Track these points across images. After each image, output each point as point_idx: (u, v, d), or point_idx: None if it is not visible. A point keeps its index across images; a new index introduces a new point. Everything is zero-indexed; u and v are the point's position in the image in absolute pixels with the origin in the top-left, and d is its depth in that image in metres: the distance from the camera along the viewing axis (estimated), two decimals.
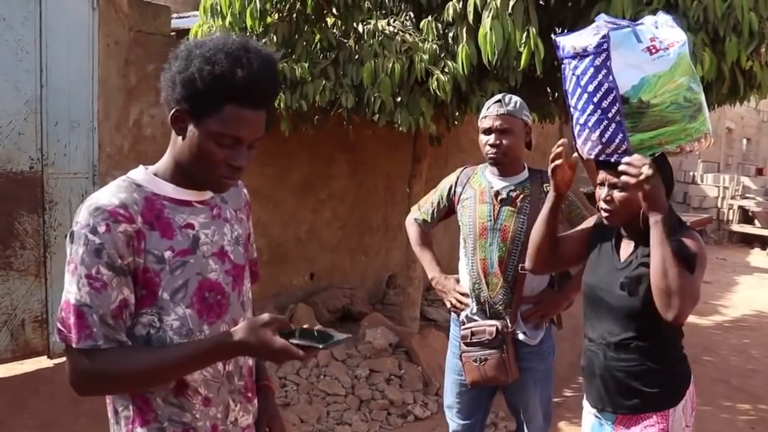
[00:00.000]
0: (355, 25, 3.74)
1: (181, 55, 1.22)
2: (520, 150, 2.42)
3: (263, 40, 3.76)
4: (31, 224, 3.50)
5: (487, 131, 2.39)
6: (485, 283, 2.43)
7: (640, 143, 1.76)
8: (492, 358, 2.38)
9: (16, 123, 3.40)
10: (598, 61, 1.74)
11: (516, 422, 2.64)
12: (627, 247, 1.91)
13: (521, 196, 2.40)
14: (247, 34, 3.68)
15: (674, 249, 1.69)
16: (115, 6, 3.97)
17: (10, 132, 3.38)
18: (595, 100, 1.77)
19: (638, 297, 1.82)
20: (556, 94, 4.02)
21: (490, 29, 3.03)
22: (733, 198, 13.34)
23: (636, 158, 1.69)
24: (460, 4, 3.28)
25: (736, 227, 12.93)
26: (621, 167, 1.70)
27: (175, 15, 5.20)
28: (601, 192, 1.87)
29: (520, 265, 2.34)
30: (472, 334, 2.42)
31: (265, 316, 1.22)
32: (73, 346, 1.18)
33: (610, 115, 1.76)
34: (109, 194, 1.22)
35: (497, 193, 2.42)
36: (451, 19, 3.39)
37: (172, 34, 4.41)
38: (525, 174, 2.45)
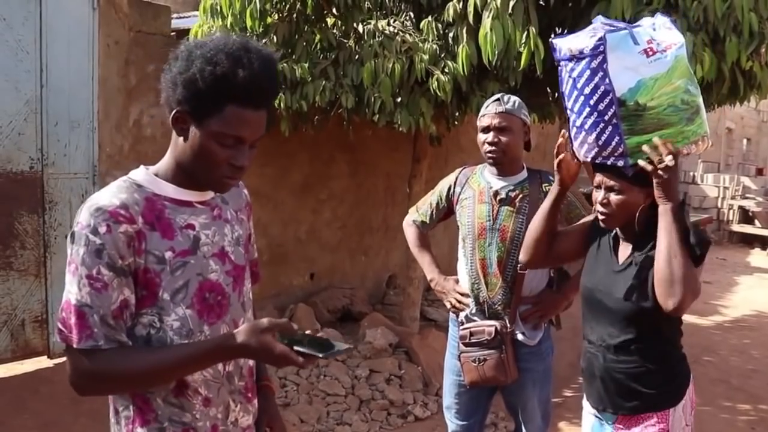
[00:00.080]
0: (355, 25, 3.74)
1: (181, 56, 1.22)
2: (518, 149, 2.42)
3: (263, 41, 3.76)
4: (31, 224, 3.50)
5: (486, 129, 2.39)
6: (484, 283, 2.43)
7: (636, 146, 1.75)
8: (491, 358, 2.38)
9: (16, 123, 3.40)
10: (594, 64, 1.74)
11: (514, 423, 2.64)
12: (625, 249, 1.91)
13: (520, 196, 2.40)
14: (248, 34, 3.68)
15: (682, 239, 1.69)
16: (115, 6, 3.97)
17: (10, 132, 3.38)
18: (592, 102, 1.77)
19: (638, 299, 1.82)
20: (556, 95, 4.02)
21: (491, 29, 3.03)
22: (733, 198, 13.35)
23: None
24: (461, 4, 3.28)
25: (736, 227, 12.93)
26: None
27: (175, 15, 5.21)
28: (598, 195, 1.86)
29: (519, 265, 2.35)
30: (471, 334, 2.42)
31: (266, 320, 1.23)
32: (74, 346, 1.18)
33: (606, 118, 1.75)
34: (110, 195, 1.22)
35: (496, 193, 2.42)
36: (451, 20, 3.39)
37: (172, 34, 4.41)
38: (524, 174, 2.45)
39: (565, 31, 3.35)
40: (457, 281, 2.55)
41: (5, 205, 3.40)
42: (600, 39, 1.72)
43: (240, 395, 1.38)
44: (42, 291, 3.56)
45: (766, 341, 6.07)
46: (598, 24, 1.81)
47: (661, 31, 1.80)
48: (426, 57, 3.43)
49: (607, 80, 1.72)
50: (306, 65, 3.63)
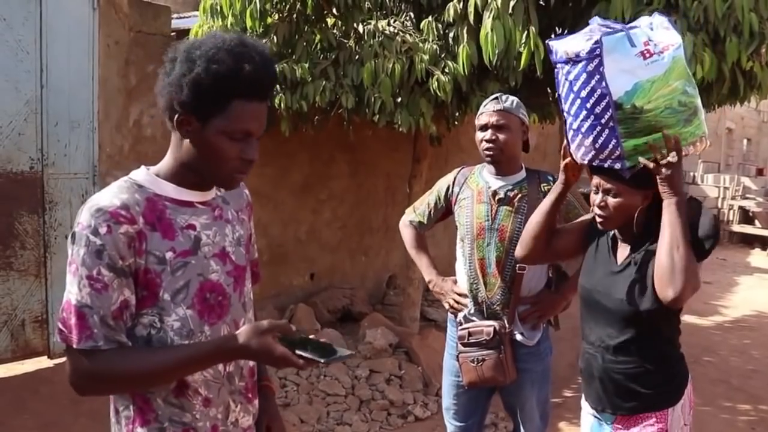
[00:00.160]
0: (355, 25, 3.74)
1: (180, 59, 1.22)
2: (516, 147, 2.41)
3: (263, 41, 3.76)
4: (31, 224, 3.50)
5: (483, 127, 2.40)
6: (483, 283, 2.42)
7: (633, 149, 1.75)
8: (489, 358, 2.38)
9: (17, 123, 3.40)
10: (590, 67, 1.73)
11: (513, 423, 2.63)
12: (623, 250, 1.91)
13: (519, 195, 2.40)
14: (248, 34, 3.68)
15: (686, 233, 1.69)
16: (115, 6, 3.97)
17: (10, 132, 3.38)
18: (588, 105, 1.76)
19: (637, 298, 1.81)
20: (556, 95, 4.02)
21: (492, 29, 3.03)
22: (733, 198, 13.34)
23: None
24: (461, 4, 3.28)
25: (737, 228, 12.93)
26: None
27: (175, 15, 5.21)
28: (596, 198, 1.86)
29: (517, 265, 2.34)
30: (470, 334, 2.42)
31: (267, 322, 1.23)
32: (74, 346, 1.18)
33: (603, 120, 1.75)
34: (111, 195, 1.22)
35: (495, 193, 2.41)
36: (451, 20, 3.39)
37: (172, 34, 4.41)
38: (522, 174, 2.45)
39: (566, 31, 3.35)
40: (455, 282, 2.54)
41: (5, 205, 3.40)
42: (596, 42, 1.71)
43: (240, 396, 1.38)
44: (42, 291, 3.56)
45: (766, 341, 6.07)
46: (595, 25, 1.80)
47: (658, 31, 1.78)
48: (426, 57, 3.43)
49: (603, 83, 1.71)
50: (306, 65, 3.63)
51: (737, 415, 4.33)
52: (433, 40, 3.53)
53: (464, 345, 2.43)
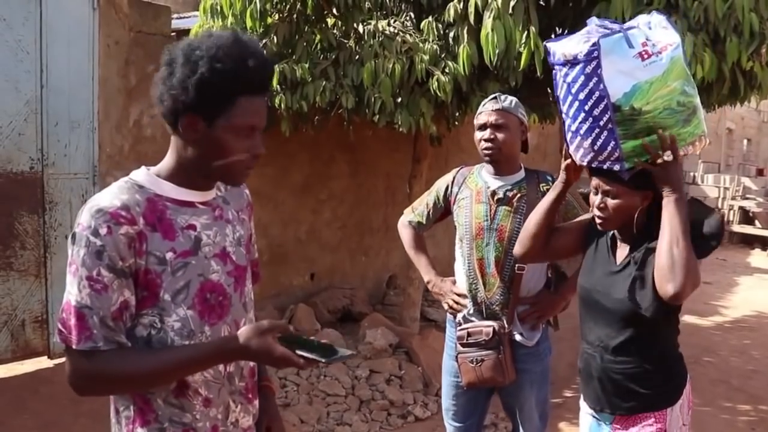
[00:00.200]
0: (355, 25, 3.74)
1: (180, 61, 1.21)
2: (515, 147, 2.41)
3: (264, 41, 3.76)
4: (31, 224, 3.51)
5: (482, 127, 2.39)
6: (482, 283, 2.42)
7: (632, 150, 1.74)
8: (488, 359, 2.37)
9: (17, 123, 3.40)
10: (588, 69, 1.72)
11: (512, 423, 2.63)
12: (623, 250, 1.90)
13: (518, 195, 2.40)
14: (248, 34, 3.68)
15: (686, 230, 1.69)
16: (115, 6, 3.97)
17: (10, 132, 3.38)
18: (587, 107, 1.75)
19: (636, 298, 1.81)
20: (555, 96, 4.02)
21: (492, 30, 3.03)
22: (733, 199, 13.34)
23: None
24: (461, 4, 3.28)
25: (737, 228, 12.92)
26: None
27: (175, 15, 5.21)
28: (595, 199, 1.86)
29: (517, 265, 2.34)
30: (469, 335, 2.41)
31: (267, 322, 1.24)
32: (73, 347, 1.18)
33: (601, 123, 1.74)
34: (111, 196, 1.22)
35: (494, 193, 2.41)
36: (451, 20, 3.39)
37: (173, 34, 4.41)
38: (521, 174, 2.45)
39: (566, 31, 3.35)
40: (454, 282, 2.54)
41: (5, 206, 3.40)
42: (594, 44, 1.70)
43: (240, 396, 1.38)
44: (42, 291, 3.56)
45: (766, 342, 6.07)
46: (592, 26, 1.80)
47: (656, 30, 1.77)
48: (426, 57, 3.43)
49: (601, 86, 1.71)
50: (306, 65, 3.63)
51: (737, 415, 4.32)
52: (433, 40, 3.53)
53: (463, 345, 2.43)
